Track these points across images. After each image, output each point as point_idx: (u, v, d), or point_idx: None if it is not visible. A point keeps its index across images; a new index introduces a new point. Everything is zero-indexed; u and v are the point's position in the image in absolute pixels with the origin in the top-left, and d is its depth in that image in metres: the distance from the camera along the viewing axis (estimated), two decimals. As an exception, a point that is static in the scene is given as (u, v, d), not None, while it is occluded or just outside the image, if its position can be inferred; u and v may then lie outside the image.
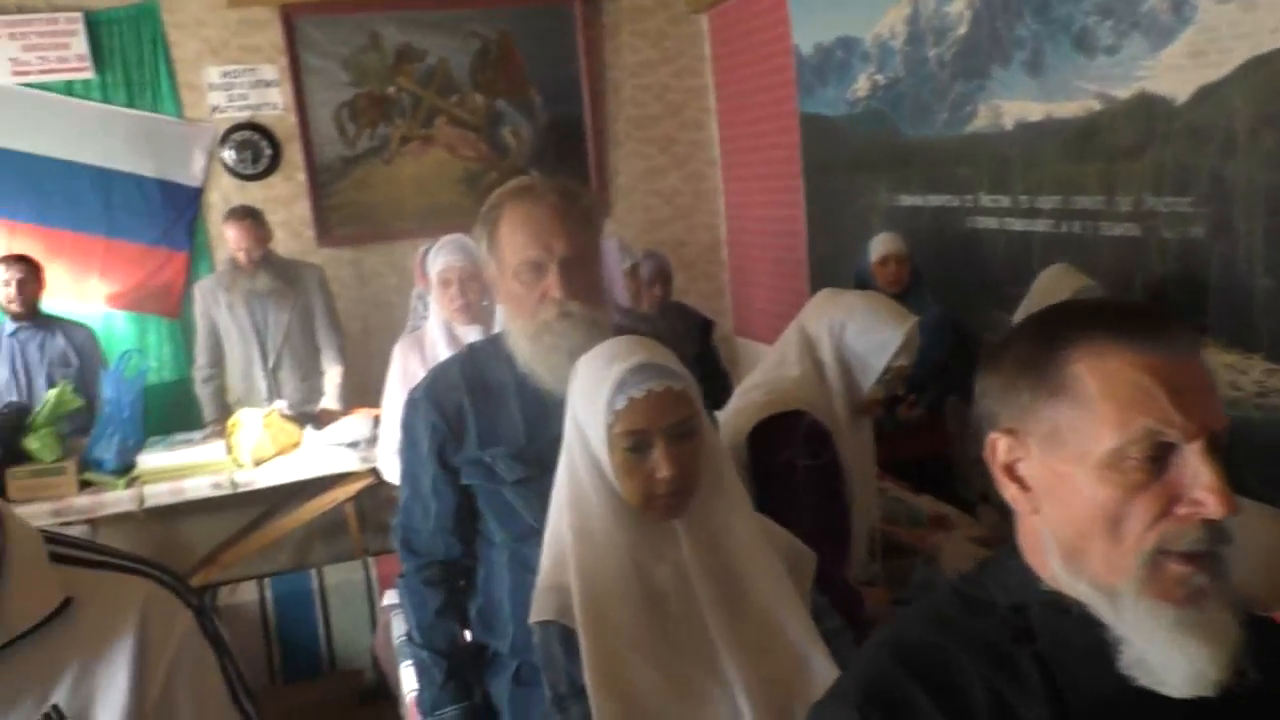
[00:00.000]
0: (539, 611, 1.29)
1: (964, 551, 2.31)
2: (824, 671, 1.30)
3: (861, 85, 3.88)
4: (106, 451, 3.58)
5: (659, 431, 1.26)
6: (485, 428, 1.60)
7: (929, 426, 3.27)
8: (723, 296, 5.42)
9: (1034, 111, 2.97)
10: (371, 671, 3.58)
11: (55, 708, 0.86)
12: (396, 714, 3.04)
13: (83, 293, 4.39)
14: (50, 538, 0.92)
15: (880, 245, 3.41)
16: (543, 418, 1.57)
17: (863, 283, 3.33)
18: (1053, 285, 2.58)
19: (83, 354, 3.89)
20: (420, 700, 1.71)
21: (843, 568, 1.93)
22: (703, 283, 5.32)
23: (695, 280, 5.25)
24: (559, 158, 4.90)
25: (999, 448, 0.84)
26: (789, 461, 1.93)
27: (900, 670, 0.82)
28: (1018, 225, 3.11)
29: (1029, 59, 2.95)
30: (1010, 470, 0.84)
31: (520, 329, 1.58)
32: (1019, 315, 2.60)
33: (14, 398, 3.74)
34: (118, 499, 3.46)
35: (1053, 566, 0.81)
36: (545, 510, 1.46)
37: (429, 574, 1.68)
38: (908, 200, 3.70)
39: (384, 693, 3.37)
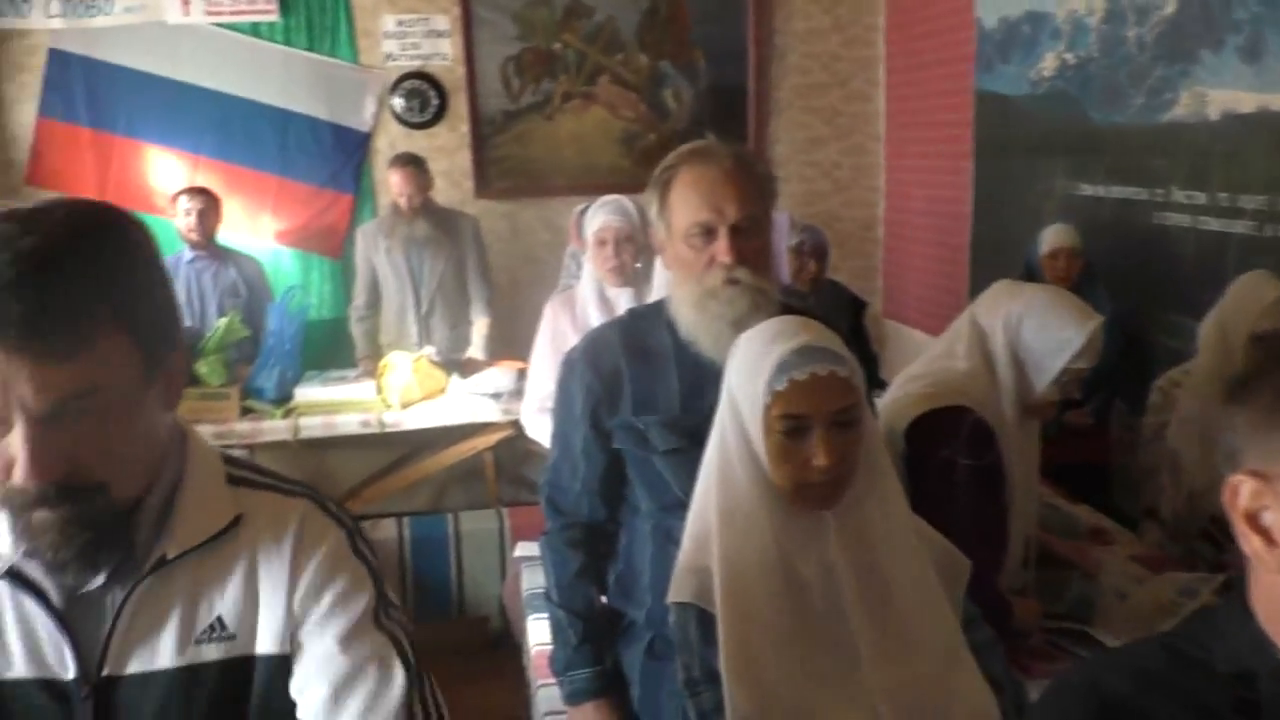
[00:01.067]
0: (677, 592, 1.26)
1: (1126, 571, 2.16)
2: (969, 684, 1.23)
3: (1048, 64, 3.65)
4: (267, 381, 3.75)
5: (818, 418, 1.20)
6: (641, 394, 1.58)
7: (1093, 433, 3.08)
8: (874, 276, 5.25)
9: (1246, 102, 2.71)
10: (498, 619, 3.65)
11: (219, 619, 0.90)
12: (520, 664, 3.11)
13: (255, 228, 4.60)
14: (226, 459, 0.98)
15: (1051, 237, 3.22)
16: (699, 389, 1.54)
17: (1031, 275, 3.15)
18: (1250, 293, 2.36)
19: (252, 286, 4.07)
20: (553, 660, 1.71)
21: (995, 575, 1.83)
22: (855, 260, 5.16)
23: (848, 258, 5.09)
24: (718, 123, 4.82)
25: (1242, 492, 0.74)
26: (948, 459, 1.83)
27: None
28: (1214, 225, 2.87)
29: (1246, 44, 2.69)
30: (1253, 519, 0.74)
31: (685, 295, 1.55)
32: (1208, 322, 2.40)
33: (187, 323, 3.95)
34: (274, 427, 3.62)
35: None
36: (694, 483, 1.43)
37: (572, 535, 1.68)
38: (1088, 190, 3.47)
39: (509, 641, 3.44)
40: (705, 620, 1.23)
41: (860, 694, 1.20)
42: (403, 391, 3.76)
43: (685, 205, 1.52)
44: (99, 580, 0.89)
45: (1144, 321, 3.08)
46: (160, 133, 4.47)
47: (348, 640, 0.91)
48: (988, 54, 4.03)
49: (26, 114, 4.44)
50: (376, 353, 4.15)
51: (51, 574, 0.88)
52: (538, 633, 2.85)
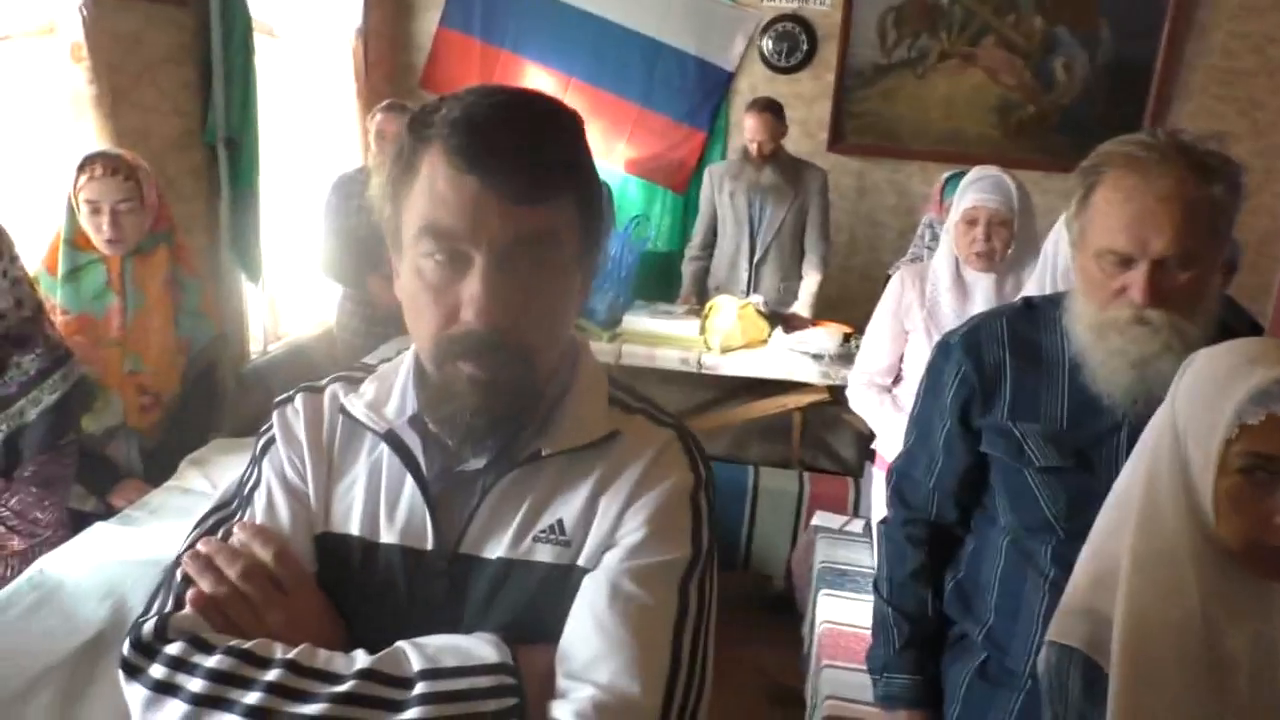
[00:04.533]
0: (1062, 633, 1.09)
1: None
2: None
3: None
4: (600, 304, 3.85)
5: (1297, 467, 0.97)
6: (1022, 397, 1.39)
7: None
8: (1269, 298, 4.57)
9: None
10: (782, 582, 3.59)
11: (560, 522, 0.90)
12: (798, 634, 3.03)
13: (609, 153, 4.72)
14: (612, 381, 0.98)
15: None
16: (1094, 406, 1.33)
17: None
18: None
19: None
20: (871, 655, 1.60)
21: None
22: (1248, 275, 4.48)
23: (1241, 272, 4.45)
24: (1112, 102, 4.34)
25: None
26: None
27: None
28: None
29: None
30: None
31: (1084, 314, 1.33)
32: None
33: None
34: (600, 349, 3.72)
35: None
36: (1069, 506, 1.26)
37: (914, 530, 1.54)
38: None
39: (790, 607, 3.37)
40: (1092, 672, 1.05)
41: (1280, 811, 0.98)
42: (725, 336, 3.73)
43: (1104, 223, 1.27)
44: (480, 462, 0.91)
45: None
46: (541, 51, 4.68)
47: (638, 580, 0.86)
48: None
49: (429, 23, 4.80)
50: (701, 295, 4.15)
51: (441, 448, 0.91)
52: (827, 609, 2.75)
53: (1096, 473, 1.31)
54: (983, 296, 2.53)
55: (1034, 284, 2.02)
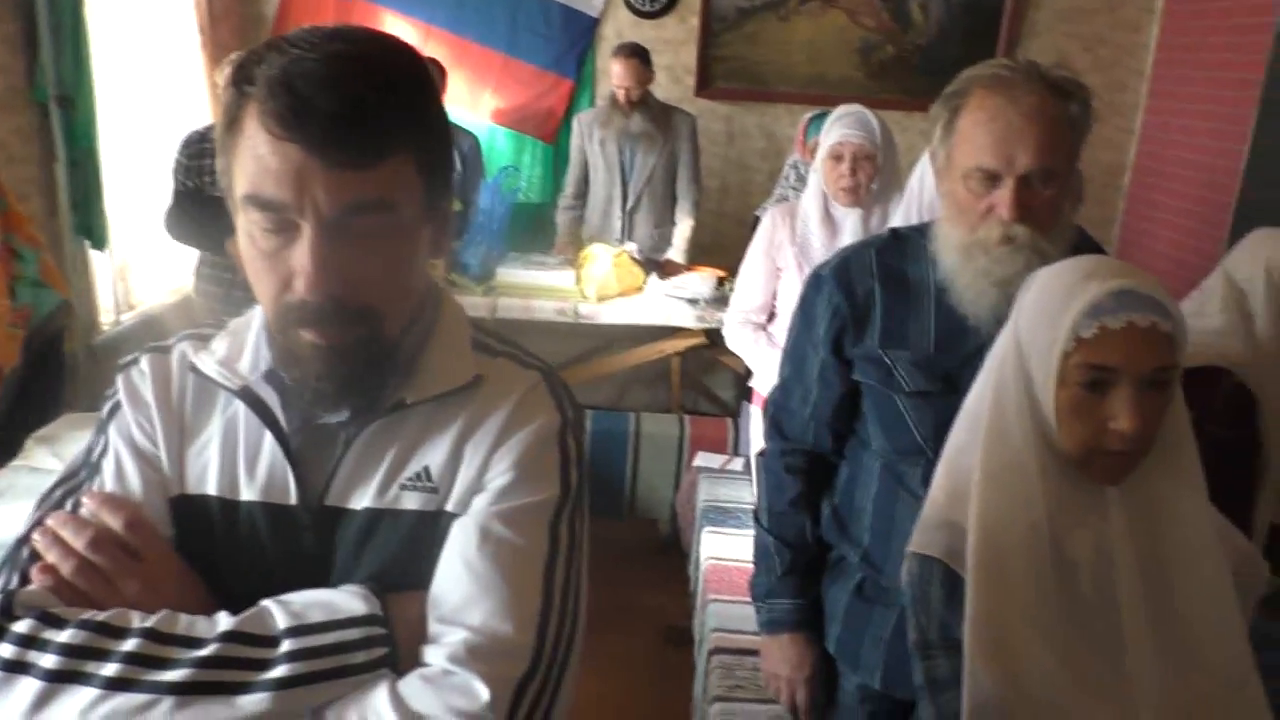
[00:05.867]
0: (924, 545, 1.14)
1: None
2: (1254, 712, 1.06)
3: (1379, 4, 3.14)
4: (473, 258, 3.79)
5: (1128, 373, 1.03)
6: (892, 325, 1.43)
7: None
8: (1112, 227, 4.81)
9: None
10: (668, 525, 3.64)
11: (426, 469, 0.89)
12: (685, 573, 3.09)
13: (475, 104, 4.60)
14: (475, 325, 0.97)
15: None
16: (960, 331, 1.38)
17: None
18: None
19: (467, 161, 4.09)
20: (754, 584, 1.64)
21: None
22: (1093, 208, 4.71)
23: (1086, 204, 4.67)
24: (966, 42, 4.46)
25: None
26: (1196, 424, 1.61)
27: None
28: None
29: None
30: None
31: (951, 237, 1.37)
32: None
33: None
34: (474, 304, 3.67)
35: None
36: (937, 429, 1.30)
37: (792, 460, 1.57)
38: (1405, 155, 2.99)
39: (676, 548, 3.43)
40: (951, 581, 1.10)
41: (1123, 701, 1.05)
42: (601, 284, 3.73)
43: (971, 143, 1.31)
44: (343, 414, 0.89)
45: None
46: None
47: (508, 522, 0.87)
48: (1300, -13, 3.52)
49: (277, -31, 4.57)
50: (577, 243, 4.13)
51: (299, 402, 0.89)
52: (711, 546, 2.81)
53: (963, 395, 1.36)
54: (851, 231, 2.59)
55: (900, 217, 2.07)
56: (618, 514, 3.66)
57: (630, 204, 4.12)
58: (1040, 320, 1.09)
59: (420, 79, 0.84)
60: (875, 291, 1.44)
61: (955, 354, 1.37)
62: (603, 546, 3.64)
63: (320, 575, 0.88)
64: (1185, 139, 4.30)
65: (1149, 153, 4.63)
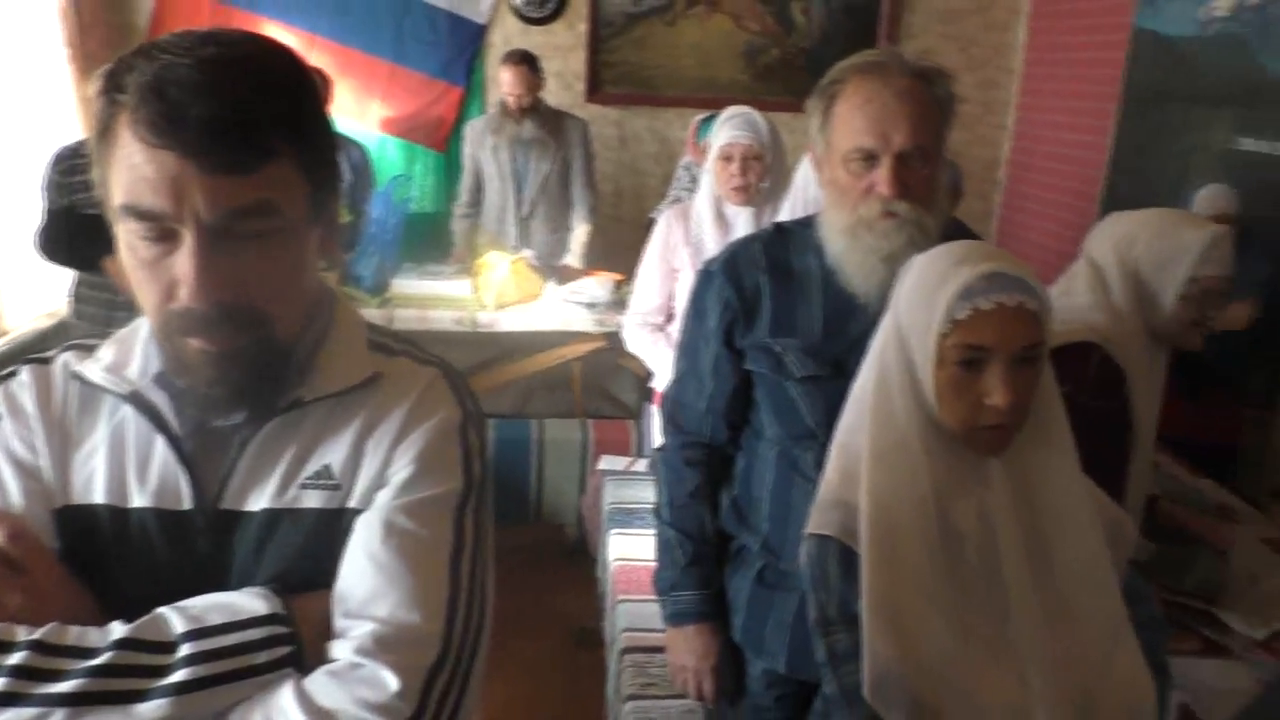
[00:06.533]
0: (819, 525, 1.17)
1: (1258, 555, 2.02)
2: (1128, 665, 1.13)
3: (1222, 4, 3.35)
4: (366, 269, 3.73)
5: (1000, 352, 1.09)
6: (780, 315, 1.47)
7: (1227, 411, 2.88)
8: (991, 220, 5.02)
9: None
10: (575, 529, 3.64)
11: (327, 467, 0.89)
12: (593, 575, 3.10)
13: (363, 113, 4.54)
14: (371, 326, 0.97)
15: (1208, 202, 2.93)
16: (845, 316, 1.43)
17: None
18: None
19: (356, 171, 4.02)
20: (658, 577, 1.66)
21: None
22: (972, 201, 4.92)
23: (966, 198, 4.85)
24: (848, 43, 4.58)
25: None
26: (1069, 397, 1.70)
27: None
28: (1396, 193, 2.62)
29: None
30: None
31: (836, 221, 1.42)
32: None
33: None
34: (369, 316, 3.58)
35: None
36: (828, 414, 1.34)
37: (691, 454, 1.60)
38: (1251, 146, 3.20)
39: (584, 552, 3.43)
40: (847, 558, 1.14)
41: (1010, 658, 1.10)
42: (498, 292, 3.72)
43: (848, 126, 1.37)
44: (238, 416, 0.88)
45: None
46: (280, 7, 4.41)
47: (411, 515, 0.87)
48: (1152, -11, 3.73)
49: (150, -22, 4.42)
50: (474, 252, 4.10)
51: (191, 406, 0.87)
52: (618, 548, 2.83)
53: (851, 379, 1.41)
54: (744, 229, 2.64)
55: (786, 212, 2.13)
56: (524, 520, 3.65)
57: (525, 211, 4.11)
58: (917, 305, 1.14)
59: (297, 79, 0.83)
60: (763, 283, 1.48)
61: (842, 339, 1.42)
62: (510, 553, 3.64)
63: (218, 580, 0.87)
64: (1055, 134, 4.52)
65: (1022, 148, 4.85)
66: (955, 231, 1.48)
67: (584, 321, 3.79)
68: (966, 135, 4.91)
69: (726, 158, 2.60)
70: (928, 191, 1.38)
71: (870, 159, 1.36)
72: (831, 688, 1.16)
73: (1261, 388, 2.92)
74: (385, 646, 0.81)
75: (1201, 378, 2.80)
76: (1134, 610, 1.15)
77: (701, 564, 1.60)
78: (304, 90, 0.83)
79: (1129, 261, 1.77)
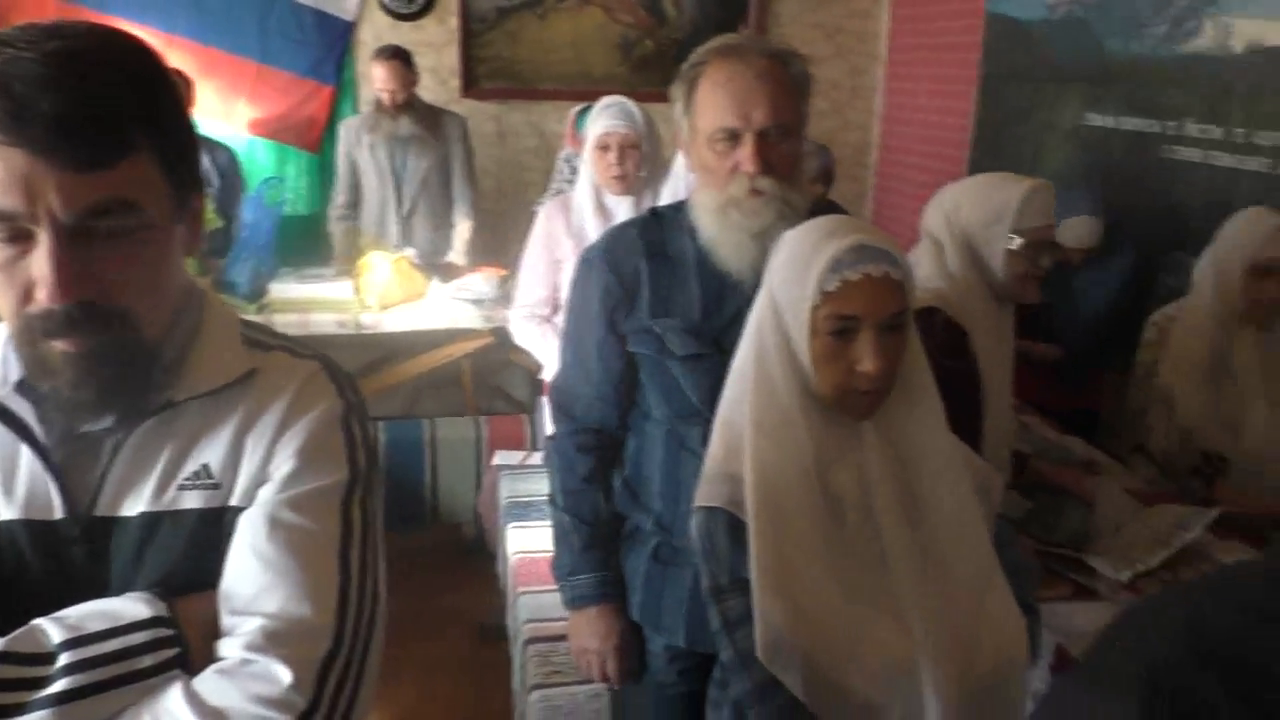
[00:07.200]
0: (706, 497, 1.21)
1: (1121, 503, 2.16)
2: (1001, 607, 1.20)
3: (1066, -13, 3.54)
4: (240, 275, 3.62)
5: (869, 320, 1.14)
6: (660, 297, 1.50)
7: (1091, 381, 3.05)
8: (865, 202, 5.18)
9: (1273, 33, 2.64)
10: (473, 527, 3.62)
11: (205, 467, 0.88)
12: (493, 571, 3.09)
13: (229, 115, 4.40)
14: (245, 323, 0.95)
15: (1071, 233, 2.89)
16: (722, 295, 1.47)
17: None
18: (1247, 229, 2.29)
19: (225, 175, 3.91)
20: (556, 564, 1.67)
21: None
22: (846, 185, 5.06)
23: (839, 183, 4.95)
24: (719, 33, 4.64)
25: None
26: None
27: (1207, 669, 0.64)
28: (1225, 161, 2.81)
29: (1280, -29, 2.61)
30: None
31: (706, 202, 1.46)
32: (1204, 260, 2.35)
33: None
34: (248, 323, 3.49)
35: None
36: (711, 390, 1.37)
37: (581, 439, 1.62)
38: (1098, 121, 3.39)
39: (483, 549, 3.42)
40: (735, 526, 1.17)
41: (892, 610, 1.16)
42: (382, 292, 3.66)
43: (711, 108, 1.42)
44: (106, 422, 0.85)
45: (1147, 258, 3.03)
46: (134, 7, 4.23)
47: (297, 508, 0.86)
48: (1002, -25, 3.91)
49: (-12, -22, 4.18)
50: (355, 253, 4.02)
51: (57, 412, 0.84)
52: (516, 541, 2.83)
53: (731, 356, 1.45)
54: (624, 218, 2.66)
55: (667, 198, 2.17)
56: (420, 522, 3.61)
57: (406, 209, 4.06)
58: (790, 278, 1.18)
59: (151, 71, 0.81)
60: (641, 267, 1.51)
61: (721, 317, 1.46)
62: (409, 555, 3.60)
63: (97, 589, 0.85)
64: (921, 116, 4.69)
65: (891, 131, 5.02)
66: (828, 212, 1.54)
67: (471, 318, 3.76)
68: (837, 120, 5.06)
69: (603, 147, 2.62)
70: (791, 167, 1.44)
71: (734, 137, 1.40)
72: (728, 653, 1.19)
73: (1120, 358, 3.11)
74: (276, 640, 0.80)
75: (1075, 357, 2.98)
76: (1002, 556, 1.23)
77: (598, 547, 1.62)
78: (159, 83, 0.81)
79: (957, 226, 1.88)
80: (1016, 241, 1.83)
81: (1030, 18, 3.75)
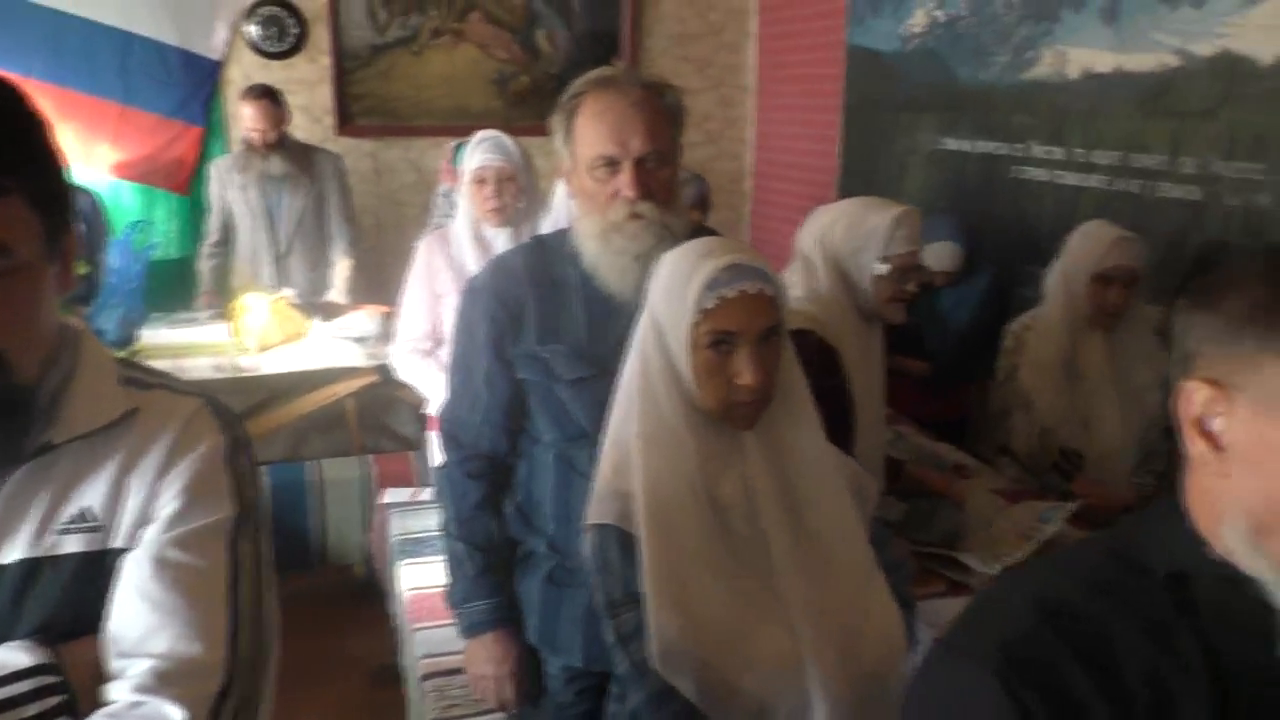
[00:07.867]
0: (597, 515, 1.24)
1: (989, 501, 2.28)
2: (881, 603, 1.26)
3: (918, 20, 3.75)
4: (108, 323, 3.49)
5: (746, 335, 1.20)
6: (545, 323, 1.54)
7: (959, 392, 3.21)
8: (742, 228, 5.32)
9: (1103, 62, 2.86)
10: (363, 567, 3.56)
11: (86, 509, 0.87)
12: (385, 611, 3.04)
13: (91, 158, 4.25)
14: (122, 362, 0.94)
15: (935, 257, 3.03)
16: (606, 319, 1.51)
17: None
18: (1088, 240, 2.48)
19: (87, 220, 3.76)
20: (450, 593, 1.67)
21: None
22: (724, 212, 5.20)
23: (717, 210, 5.09)
24: (593, 67, 4.74)
25: (1195, 399, 0.72)
26: None
27: (1051, 636, 0.72)
28: (1069, 179, 3.03)
29: (1106, 5, 2.83)
30: (1201, 425, 0.73)
31: (588, 228, 1.51)
32: (1053, 272, 2.52)
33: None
34: (118, 370, 3.37)
35: (1228, 537, 0.72)
36: (599, 413, 1.41)
37: (472, 467, 1.63)
38: (953, 144, 3.60)
39: (374, 589, 3.36)
40: (626, 542, 1.21)
41: (778, 612, 1.21)
42: (261, 334, 3.58)
43: (589, 136, 1.47)
44: None
45: (1004, 273, 3.22)
46: (-14, 49, 4.07)
47: (184, 546, 0.86)
48: (860, 9, 4.11)
49: None
50: (225, 293, 3.93)
51: None
52: (409, 578, 2.80)
53: (616, 377, 1.48)
54: (503, 249, 2.69)
55: (548, 229, 2.20)
56: (308, 566, 3.53)
57: (282, 249, 3.99)
58: (670, 298, 1.23)
59: (17, 109, 0.81)
60: (525, 294, 1.55)
61: (607, 340, 1.49)
62: (298, 599, 3.51)
63: None
64: (791, 144, 4.87)
65: (764, 159, 5.18)
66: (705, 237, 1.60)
67: (355, 356, 3.71)
68: (712, 150, 5.20)
69: (480, 181, 2.65)
70: (669, 193, 1.50)
71: (612, 164, 1.46)
72: (623, 666, 1.22)
73: (985, 368, 3.28)
74: (167, 681, 0.80)
75: (944, 371, 3.14)
76: (879, 555, 1.30)
77: (492, 572, 1.63)
78: (29, 123, 0.81)
79: (829, 249, 1.97)
80: (884, 268, 1.93)
81: (888, 49, 3.95)
